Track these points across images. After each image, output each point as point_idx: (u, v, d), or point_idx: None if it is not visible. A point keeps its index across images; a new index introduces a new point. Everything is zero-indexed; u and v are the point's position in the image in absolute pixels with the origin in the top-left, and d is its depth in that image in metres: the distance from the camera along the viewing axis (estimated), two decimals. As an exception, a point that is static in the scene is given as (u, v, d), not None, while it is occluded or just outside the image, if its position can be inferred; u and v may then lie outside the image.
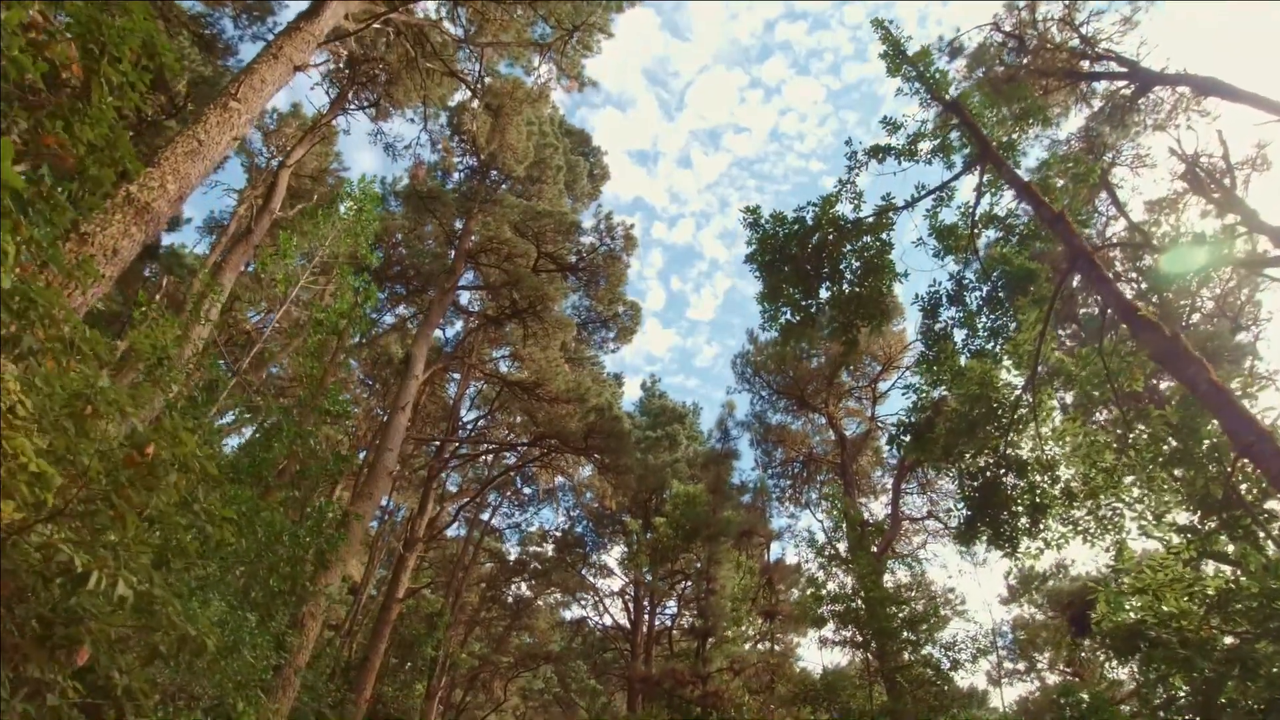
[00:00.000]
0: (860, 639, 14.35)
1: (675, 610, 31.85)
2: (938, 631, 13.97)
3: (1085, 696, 10.76)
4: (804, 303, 10.44)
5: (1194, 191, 14.56)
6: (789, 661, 20.43)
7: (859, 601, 13.63)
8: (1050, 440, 7.58)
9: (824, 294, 10.44)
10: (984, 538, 8.42)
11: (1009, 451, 7.94)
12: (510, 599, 36.81)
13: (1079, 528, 7.76)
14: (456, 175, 29.61)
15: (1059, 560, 26.60)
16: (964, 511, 8.48)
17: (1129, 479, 7.23)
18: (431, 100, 23.00)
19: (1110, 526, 7.53)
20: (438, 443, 29.21)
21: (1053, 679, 24.48)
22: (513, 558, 36.35)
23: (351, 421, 29.24)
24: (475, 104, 21.95)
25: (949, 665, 13.77)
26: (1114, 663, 20.24)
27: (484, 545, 35.30)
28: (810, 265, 10.56)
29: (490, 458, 33.55)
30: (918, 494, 25.38)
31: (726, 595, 22.57)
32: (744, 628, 26.41)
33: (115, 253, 8.70)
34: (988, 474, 8.02)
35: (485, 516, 36.36)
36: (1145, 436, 7.48)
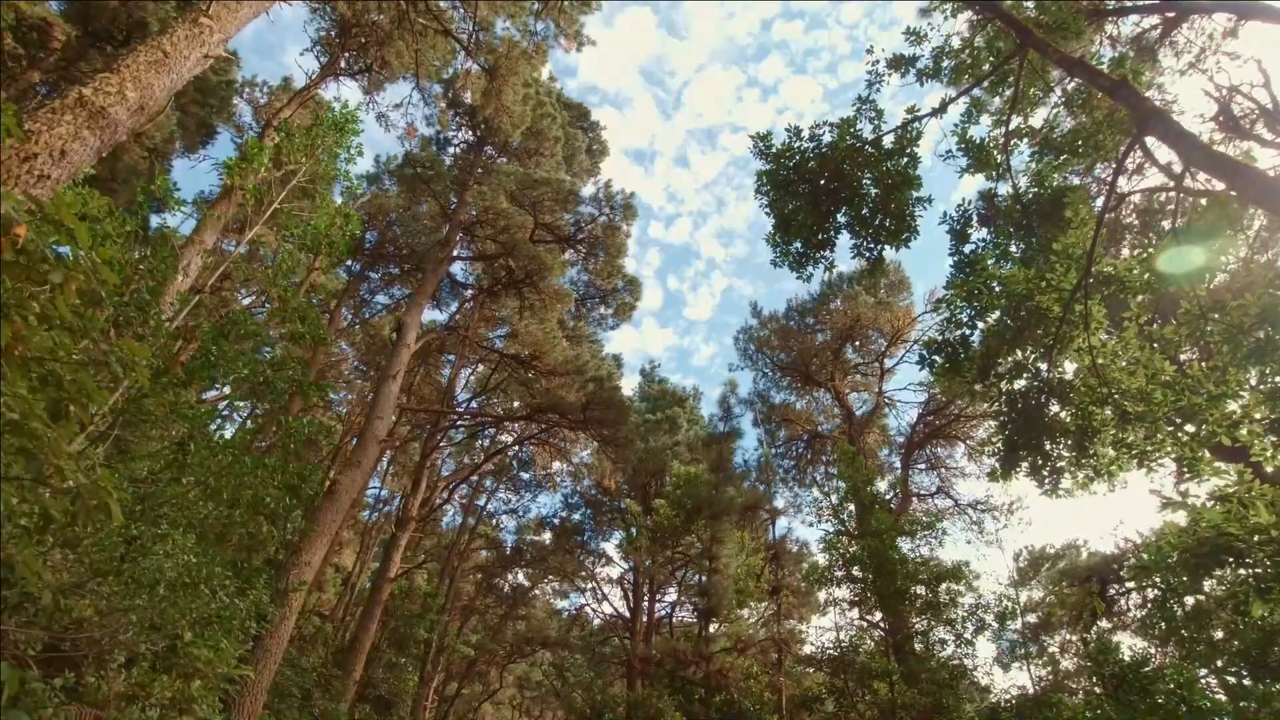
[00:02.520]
0: (871, 603, 13.55)
1: (675, 597, 31.07)
2: (959, 598, 13.21)
3: (1125, 655, 10.01)
4: (818, 231, 9.67)
5: (1228, 136, 13.82)
6: (796, 638, 19.62)
7: (871, 563, 12.80)
8: (1101, 354, 6.78)
9: (841, 219, 9.67)
10: (1024, 467, 7.64)
11: (1052, 373, 7.16)
12: (507, 589, 36.00)
13: (1133, 450, 6.96)
14: (452, 150, 28.90)
15: (1070, 541, 25.86)
16: (999, 445, 7.71)
17: (1196, 387, 6.44)
18: (425, 64, 22.24)
19: (1177, 441, 6.71)
20: (430, 425, 28.42)
21: (1065, 664, 23.69)
22: (509, 545, 35.53)
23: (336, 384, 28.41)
24: (470, 64, 21.18)
25: (973, 629, 13.00)
26: (1141, 639, 19.40)
27: (479, 531, 34.50)
28: (826, 193, 9.79)
29: (486, 441, 32.79)
30: (926, 471, 24.64)
31: (730, 575, 21.78)
32: (746, 612, 25.64)
33: (63, 155, 7.91)
34: (1028, 398, 7.25)
35: (481, 503, 35.60)
36: (1220, 332, 6.69)
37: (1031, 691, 12.73)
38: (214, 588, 6.11)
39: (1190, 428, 6.59)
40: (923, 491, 23.92)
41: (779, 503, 25.17)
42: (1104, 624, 22.35)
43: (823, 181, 9.85)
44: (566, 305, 23.60)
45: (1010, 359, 7.26)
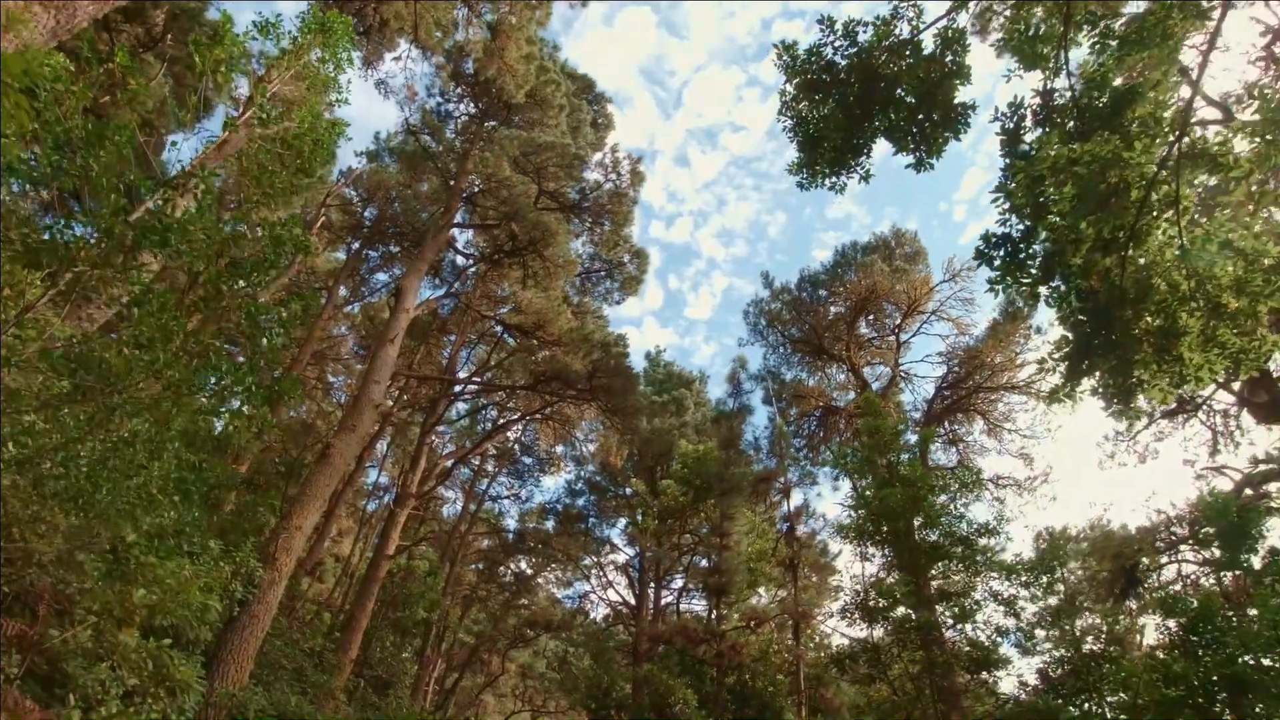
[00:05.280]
0: (895, 562, 12.66)
1: (682, 584, 30.20)
2: (995, 557, 12.36)
3: (1194, 604, 9.16)
4: (851, 138, 8.80)
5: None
6: (812, 614, 18.72)
7: (903, 514, 11.92)
8: (1191, 241, 5.90)
9: (876, 123, 8.81)
10: (1088, 385, 6.77)
11: (1126, 273, 6.26)
12: (509, 576, 35.17)
13: (1227, 350, 6.05)
14: (454, 124, 28.10)
15: (1094, 519, 24.92)
16: (1065, 355, 6.82)
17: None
18: (424, 23, 21.46)
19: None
20: (430, 402, 27.62)
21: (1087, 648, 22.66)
22: (511, 533, 34.68)
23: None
24: (470, 17, 20.40)
25: (1020, 584, 12.11)
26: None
27: (481, 516, 33.67)
28: (859, 97, 8.93)
29: (488, 425, 31.94)
30: (944, 447, 23.75)
31: (741, 553, 20.88)
32: (757, 600, 24.74)
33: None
34: (1100, 297, 6.37)
35: (482, 487, 34.75)
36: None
37: (1086, 650, 11.85)
38: (169, 492, 5.25)
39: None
40: (942, 467, 23.02)
41: (792, 476, 24.25)
42: (1133, 604, 21.38)
43: (855, 89, 9.01)
44: (571, 273, 22.75)
45: (1079, 258, 6.41)
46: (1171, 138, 5.87)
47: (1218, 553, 19.84)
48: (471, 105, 27.58)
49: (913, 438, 22.73)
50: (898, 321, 24.90)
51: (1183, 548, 19.15)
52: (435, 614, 22.01)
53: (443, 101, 27.62)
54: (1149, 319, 6.18)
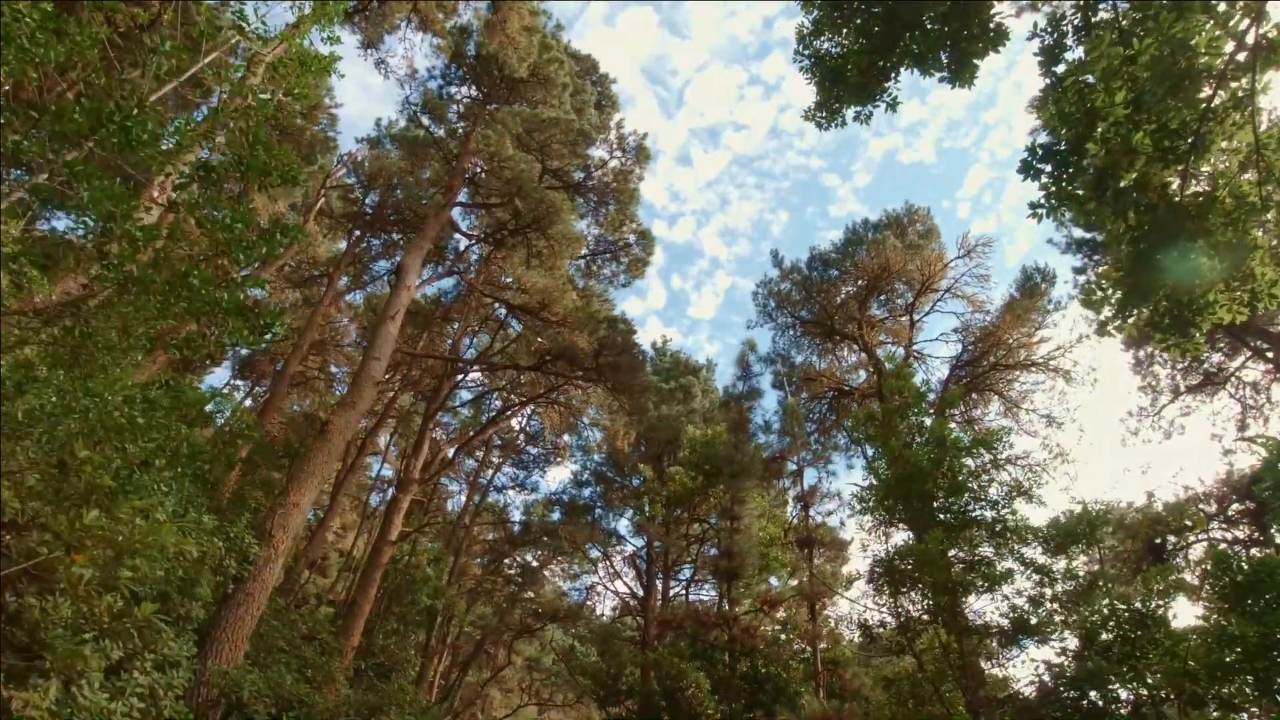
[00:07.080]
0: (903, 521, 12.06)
1: (691, 574, 29.65)
2: (1024, 525, 11.77)
3: (1245, 563, 8.58)
4: (876, 60, 8.26)
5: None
6: (831, 590, 18.11)
7: (941, 478, 11.34)
8: (1268, 146, 5.34)
9: (898, 51, 8.26)
10: (1144, 314, 6.21)
11: (1187, 188, 5.70)
12: (514, 569, 34.67)
13: (1305, 260, 5.54)
14: (456, 109, 27.61)
15: (1114, 502, 24.28)
16: (1120, 275, 6.23)
17: None
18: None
19: None
20: (432, 389, 27.14)
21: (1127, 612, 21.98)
22: (516, 523, 34.18)
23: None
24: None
25: (1054, 549, 11.53)
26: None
27: (485, 507, 33.18)
28: (882, 19, 8.38)
29: (492, 413, 31.45)
30: (960, 428, 23.11)
31: (753, 536, 20.30)
32: (767, 584, 24.16)
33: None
34: (1159, 213, 5.78)
35: (486, 478, 34.25)
36: None
37: (1137, 606, 11.28)
38: (132, 417, 4.71)
39: None
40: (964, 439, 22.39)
41: (804, 455, 23.65)
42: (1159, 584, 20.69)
43: (879, 15, 8.49)
44: (576, 252, 22.22)
45: (1134, 172, 5.83)
46: (1245, 22, 5.32)
47: (1247, 531, 19.19)
48: (474, 88, 27.08)
49: (926, 421, 22.19)
50: (910, 300, 24.30)
51: (1211, 525, 18.50)
52: (439, 602, 21.47)
53: (444, 84, 27.12)
54: (1215, 234, 5.62)
